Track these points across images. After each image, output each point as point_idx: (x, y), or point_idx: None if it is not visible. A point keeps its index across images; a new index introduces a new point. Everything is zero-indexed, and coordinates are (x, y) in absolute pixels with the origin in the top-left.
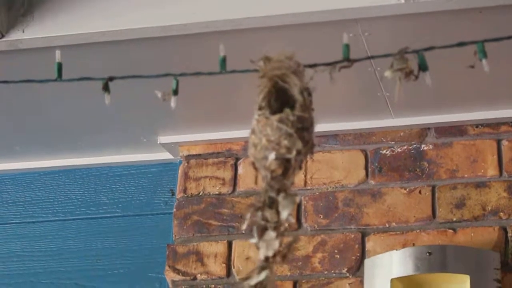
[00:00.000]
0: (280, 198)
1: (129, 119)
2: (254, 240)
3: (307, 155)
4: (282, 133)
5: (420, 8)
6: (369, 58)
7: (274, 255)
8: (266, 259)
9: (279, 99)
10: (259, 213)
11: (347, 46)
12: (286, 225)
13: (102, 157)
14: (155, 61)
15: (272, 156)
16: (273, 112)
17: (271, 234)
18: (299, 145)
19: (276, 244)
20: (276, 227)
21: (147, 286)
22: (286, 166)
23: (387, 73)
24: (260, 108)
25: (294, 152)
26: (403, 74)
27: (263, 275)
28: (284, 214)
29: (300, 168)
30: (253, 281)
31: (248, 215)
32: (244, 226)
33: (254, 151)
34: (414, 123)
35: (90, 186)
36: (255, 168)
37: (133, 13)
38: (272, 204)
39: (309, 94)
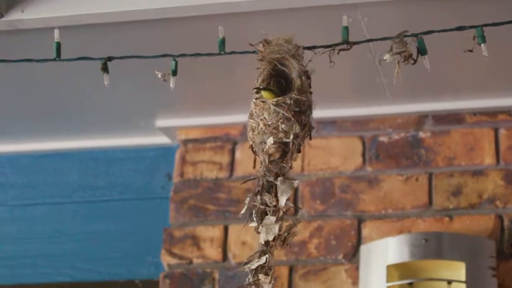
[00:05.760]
0: (279, 182)
1: (127, 102)
2: (253, 225)
3: (305, 138)
4: (280, 117)
5: None
6: (368, 41)
7: (274, 239)
8: (266, 243)
9: (278, 81)
10: (258, 198)
11: (346, 29)
12: (285, 209)
13: (100, 141)
14: (153, 43)
15: (270, 140)
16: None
17: (270, 218)
18: (296, 128)
19: (276, 228)
20: (275, 211)
21: (143, 270)
22: (284, 150)
23: (387, 56)
24: (258, 91)
25: (291, 136)
26: (402, 58)
27: (263, 259)
28: (283, 199)
29: (299, 151)
30: (254, 264)
31: (247, 200)
32: (243, 211)
33: (252, 134)
34: (412, 111)
35: (87, 170)
36: (254, 152)
37: None
38: (271, 188)
39: (308, 77)
